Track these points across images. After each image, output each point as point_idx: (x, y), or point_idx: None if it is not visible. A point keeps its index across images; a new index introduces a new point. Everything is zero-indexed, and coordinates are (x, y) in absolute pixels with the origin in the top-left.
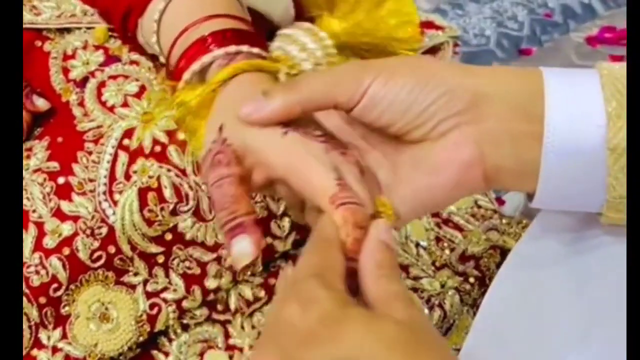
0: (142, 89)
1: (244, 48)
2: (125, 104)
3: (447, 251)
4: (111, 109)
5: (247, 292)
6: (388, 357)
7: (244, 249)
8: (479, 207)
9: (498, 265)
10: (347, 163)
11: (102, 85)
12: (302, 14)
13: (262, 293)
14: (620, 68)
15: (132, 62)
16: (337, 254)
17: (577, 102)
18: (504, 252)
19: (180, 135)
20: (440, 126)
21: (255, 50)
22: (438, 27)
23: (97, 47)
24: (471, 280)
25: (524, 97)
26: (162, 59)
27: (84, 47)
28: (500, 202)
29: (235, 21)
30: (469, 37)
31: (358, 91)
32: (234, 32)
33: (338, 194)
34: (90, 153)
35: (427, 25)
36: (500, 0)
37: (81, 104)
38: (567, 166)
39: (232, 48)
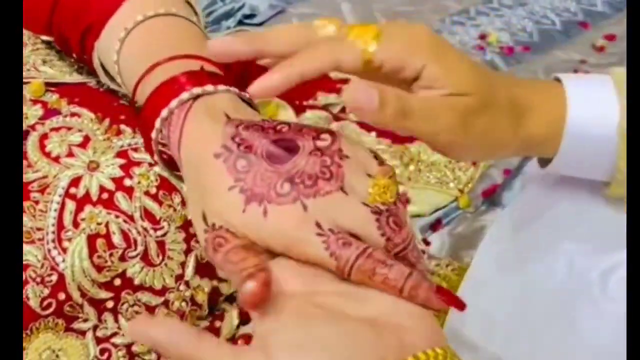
0: (86, 139)
1: (221, 87)
2: (70, 154)
3: None
4: (56, 159)
5: None
6: None
7: (249, 288)
8: None
9: None
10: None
11: (44, 137)
12: None
13: None
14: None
15: (73, 115)
16: None
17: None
18: None
19: (127, 182)
20: None
21: (234, 89)
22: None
23: (34, 102)
24: None
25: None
26: (121, 87)
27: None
28: (426, 243)
29: (204, 62)
30: None
31: None
32: (209, 74)
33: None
34: (37, 202)
35: None
36: None
37: (24, 156)
38: (581, 146)
39: (210, 87)
